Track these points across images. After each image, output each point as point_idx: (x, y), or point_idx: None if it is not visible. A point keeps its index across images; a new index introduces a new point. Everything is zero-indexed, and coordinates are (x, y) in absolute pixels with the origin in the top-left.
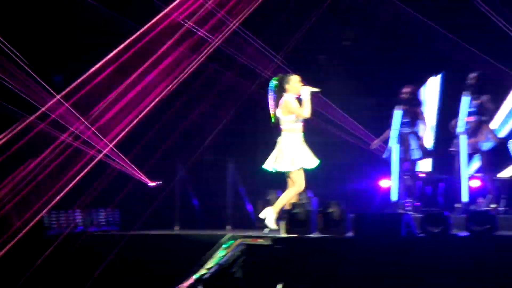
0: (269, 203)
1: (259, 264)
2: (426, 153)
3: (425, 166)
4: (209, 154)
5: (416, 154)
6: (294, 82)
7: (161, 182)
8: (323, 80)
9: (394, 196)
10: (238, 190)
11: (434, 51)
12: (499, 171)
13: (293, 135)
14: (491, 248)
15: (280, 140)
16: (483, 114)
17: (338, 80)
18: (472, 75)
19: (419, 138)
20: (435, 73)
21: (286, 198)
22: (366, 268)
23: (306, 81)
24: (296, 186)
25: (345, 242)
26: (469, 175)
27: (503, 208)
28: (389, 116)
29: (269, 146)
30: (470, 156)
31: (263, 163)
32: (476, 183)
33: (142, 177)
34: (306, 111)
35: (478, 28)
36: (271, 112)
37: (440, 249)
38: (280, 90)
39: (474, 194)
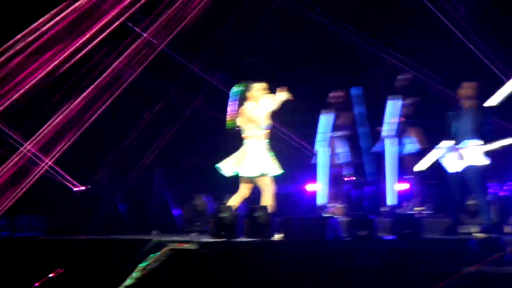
0: (196, 207)
1: (186, 269)
2: (353, 157)
3: (352, 169)
4: (135, 158)
5: (343, 158)
6: (256, 90)
7: (86, 187)
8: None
9: (320, 200)
10: (164, 195)
11: (362, 54)
12: (426, 174)
13: (257, 141)
14: (417, 251)
15: (244, 146)
16: (412, 117)
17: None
18: (401, 77)
19: (346, 142)
20: (362, 77)
21: (271, 208)
22: (293, 271)
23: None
24: (266, 191)
25: (271, 246)
26: (395, 178)
27: (428, 212)
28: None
29: (197, 151)
30: (400, 159)
31: (189, 168)
32: (402, 186)
33: (68, 182)
34: (263, 119)
35: (402, 34)
36: (229, 117)
37: (366, 253)
38: (242, 97)
39: (400, 197)
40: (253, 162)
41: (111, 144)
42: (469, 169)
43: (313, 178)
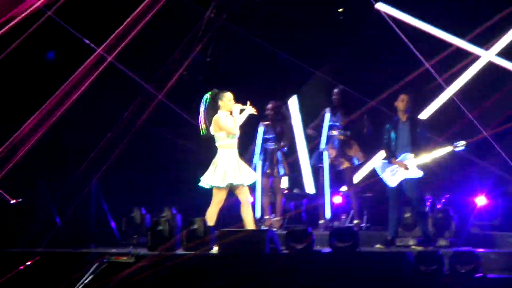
0: (134, 220)
1: (123, 281)
2: (290, 169)
3: (289, 182)
4: (73, 170)
5: (280, 170)
6: (227, 99)
7: (21, 199)
8: (188, 95)
9: (258, 213)
10: (102, 207)
11: (297, 66)
12: (364, 187)
13: (228, 151)
14: (354, 264)
15: (216, 157)
16: (349, 129)
17: (201, 95)
18: (336, 90)
19: (284, 154)
20: (297, 89)
21: (249, 218)
22: (230, 285)
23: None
24: (245, 201)
25: (209, 259)
26: (331, 191)
27: (365, 224)
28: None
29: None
30: (339, 172)
31: (127, 181)
32: (339, 199)
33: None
34: (234, 128)
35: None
36: (202, 125)
37: (304, 266)
38: (213, 106)
39: (338, 210)
40: (225, 172)
41: (49, 155)
42: (406, 182)
43: (251, 190)
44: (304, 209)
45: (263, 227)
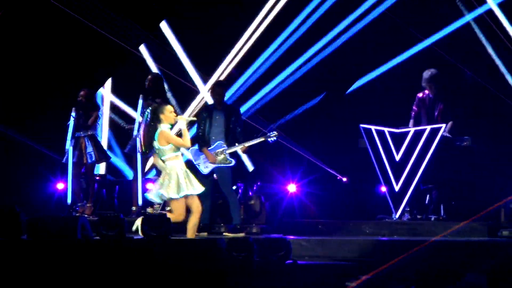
0: None
1: None
2: (102, 156)
3: (101, 168)
4: None
5: (91, 157)
6: (168, 112)
7: None
8: None
9: (69, 199)
10: None
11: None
12: None
13: (177, 161)
14: (166, 251)
15: (164, 169)
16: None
17: None
18: (150, 77)
19: (94, 141)
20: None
21: (193, 228)
22: (42, 272)
23: None
24: (197, 210)
25: (19, 246)
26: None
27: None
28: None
29: None
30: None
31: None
32: (151, 186)
33: None
34: (187, 140)
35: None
36: (144, 141)
37: (116, 252)
38: (155, 120)
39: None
40: (175, 184)
41: None
42: (218, 170)
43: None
44: (117, 196)
45: (76, 214)
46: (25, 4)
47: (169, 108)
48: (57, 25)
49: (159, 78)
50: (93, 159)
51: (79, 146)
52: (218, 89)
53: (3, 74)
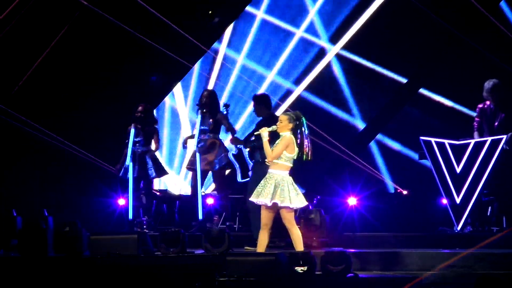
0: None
1: None
2: (161, 171)
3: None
4: None
5: (151, 172)
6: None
7: None
8: None
9: (130, 215)
10: None
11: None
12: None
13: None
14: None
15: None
16: (217, 132)
17: None
18: (205, 93)
19: (153, 157)
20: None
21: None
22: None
23: None
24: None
25: (81, 262)
26: (203, 193)
27: (237, 226)
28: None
29: None
30: (205, 174)
31: None
32: (210, 201)
33: None
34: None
35: None
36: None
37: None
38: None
39: (209, 211)
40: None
41: None
42: None
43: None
44: (177, 211)
45: (136, 229)
46: (85, 21)
47: None
48: (117, 41)
49: (214, 93)
50: (153, 175)
51: (138, 161)
52: None
53: (66, 93)
